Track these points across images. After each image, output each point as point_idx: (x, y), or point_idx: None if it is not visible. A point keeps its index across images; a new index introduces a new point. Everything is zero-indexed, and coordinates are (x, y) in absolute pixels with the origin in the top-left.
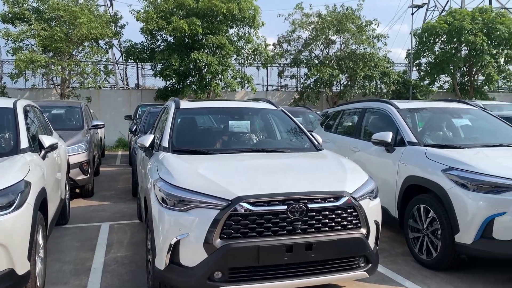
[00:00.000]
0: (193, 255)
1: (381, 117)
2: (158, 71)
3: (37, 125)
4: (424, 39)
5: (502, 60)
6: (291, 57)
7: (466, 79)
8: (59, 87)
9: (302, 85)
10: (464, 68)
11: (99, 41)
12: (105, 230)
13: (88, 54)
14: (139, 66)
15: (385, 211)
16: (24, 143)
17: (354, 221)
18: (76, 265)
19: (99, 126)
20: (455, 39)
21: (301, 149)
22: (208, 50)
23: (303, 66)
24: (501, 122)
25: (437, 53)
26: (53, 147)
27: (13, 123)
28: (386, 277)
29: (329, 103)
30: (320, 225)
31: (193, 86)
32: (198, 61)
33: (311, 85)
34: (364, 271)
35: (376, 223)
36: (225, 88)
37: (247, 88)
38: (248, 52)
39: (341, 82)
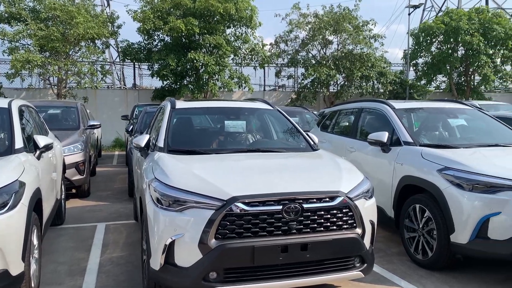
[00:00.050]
0: (188, 255)
1: (377, 117)
2: (155, 71)
3: (32, 125)
4: (421, 39)
5: (498, 60)
6: (288, 57)
7: (462, 79)
8: (55, 87)
9: (299, 85)
10: (461, 68)
11: (96, 41)
12: (101, 230)
13: (85, 54)
14: (136, 66)
15: (381, 211)
16: (18, 143)
17: (349, 221)
18: (71, 265)
19: (96, 126)
20: (451, 39)
21: (297, 149)
22: (205, 50)
23: (300, 66)
24: (497, 122)
25: (434, 53)
26: (48, 147)
27: (8, 123)
28: (382, 277)
29: (326, 103)
30: (316, 225)
31: (190, 86)
32: (195, 61)
33: (308, 85)
34: (360, 271)
35: (372, 223)
36: (222, 88)
37: (244, 88)
38: (245, 52)
39: (338, 82)
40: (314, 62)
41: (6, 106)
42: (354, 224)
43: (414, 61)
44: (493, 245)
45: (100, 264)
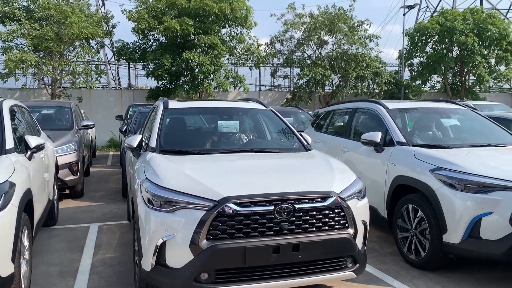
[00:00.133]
0: (179, 256)
1: (371, 117)
2: (150, 71)
3: (24, 126)
4: (416, 39)
5: (493, 61)
6: (284, 57)
7: (457, 79)
8: (50, 87)
9: (294, 85)
10: (456, 68)
11: (90, 41)
12: (94, 231)
13: (79, 54)
14: (132, 66)
15: (374, 211)
16: (9, 143)
17: (341, 221)
18: (63, 267)
19: (89, 126)
20: (446, 40)
21: (290, 149)
22: (200, 50)
23: (295, 66)
24: (490, 122)
25: (428, 53)
26: (39, 148)
27: None
28: (374, 277)
29: (321, 103)
30: (307, 225)
31: (185, 86)
32: (190, 61)
33: (303, 85)
34: (352, 271)
35: (364, 223)
36: (218, 88)
37: (239, 88)
38: (240, 52)
39: (333, 82)
40: (309, 62)
41: None
42: (346, 224)
43: (409, 61)
44: (485, 245)
45: (92, 265)
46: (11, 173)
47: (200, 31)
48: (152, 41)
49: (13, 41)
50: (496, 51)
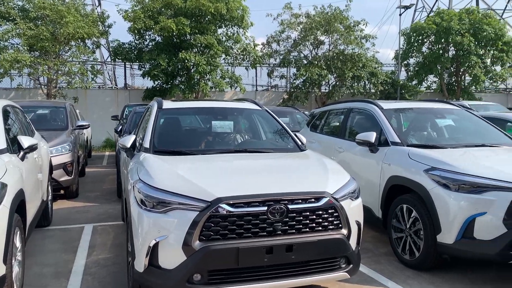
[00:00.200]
0: (172, 257)
1: (366, 117)
2: (146, 71)
3: (17, 126)
4: (413, 39)
5: (488, 61)
6: (280, 57)
7: (453, 79)
8: (45, 87)
9: (291, 85)
10: (452, 68)
11: (86, 41)
12: (88, 231)
13: (75, 53)
14: (128, 66)
15: (369, 211)
16: (1, 144)
17: (335, 222)
18: (57, 267)
19: (84, 126)
20: (443, 40)
21: (285, 149)
22: (196, 50)
23: (292, 66)
24: (484, 122)
25: (425, 53)
26: (32, 148)
27: None
28: (368, 277)
29: (317, 103)
30: (301, 226)
31: (181, 86)
32: (186, 61)
33: (299, 85)
34: (345, 272)
35: (358, 223)
36: (214, 88)
37: (236, 88)
38: (236, 52)
39: (330, 82)
40: (305, 62)
41: None
42: (340, 225)
43: (406, 61)
44: (479, 245)
45: (86, 266)
46: (3, 173)
47: (196, 31)
48: (148, 41)
49: (8, 41)
50: (491, 51)
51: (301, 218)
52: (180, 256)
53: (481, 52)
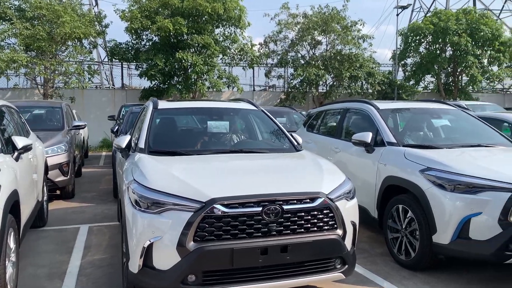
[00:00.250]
0: (166, 258)
1: (362, 117)
2: (143, 71)
3: (12, 126)
4: (410, 39)
5: (485, 61)
6: (278, 57)
7: (450, 79)
8: (42, 87)
9: (288, 85)
10: (449, 68)
11: (83, 41)
12: (84, 232)
13: (72, 53)
14: (126, 66)
15: (365, 212)
16: None
17: (330, 222)
18: (51, 269)
19: (80, 126)
20: (440, 40)
21: (280, 149)
22: (193, 50)
23: (289, 66)
24: (480, 122)
25: (422, 53)
26: (27, 148)
27: None
28: (364, 277)
29: (315, 103)
30: (296, 226)
31: (178, 86)
32: (183, 61)
33: (297, 85)
34: (341, 272)
35: (353, 224)
36: (211, 89)
37: (233, 88)
38: (234, 52)
39: (327, 83)
40: (303, 62)
41: None
42: (335, 225)
43: (403, 62)
44: (474, 246)
45: (81, 267)
46: None
47: (193, 31)
48: (145, 41)
49: (4, 41)
50: (488, 52)
51: (296, 218)
52: (175, 257)
53: (478, 52)
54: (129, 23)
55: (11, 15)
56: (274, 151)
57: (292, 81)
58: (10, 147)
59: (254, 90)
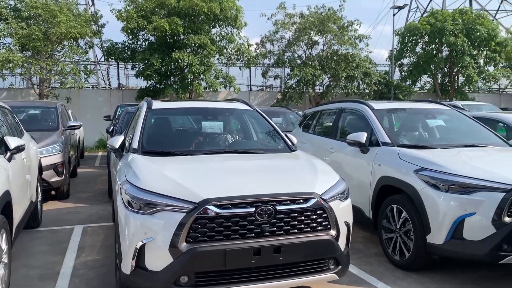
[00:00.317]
0: (158, 259)
1: (357, 117)
2: (139, 71)
3: (5, 126)
4: (406, 39)
5: (481, 61)
6: (275, 57)
7: (447, 79)
8: (38, 87)
9: (285, 85)
10: (445, 68)
11: (79, 41)
12: (78, 233)
13: (68, 53)
14: (123, 66)
15: (359, 212)
16: None
17: (323, 223)
18: (44, 270)
19: (76, 126)
20: (436, 40)
21: (275, 150)
22: (190, 50)
23: (286, 66)
24: (474, 122)
25: (418, 53)
26: (19, 149)
27: None
28: (358, 278)
29: (312, 103)
30: (289, 227)
31: (174, 86)
32: (179, 61)
33: (293, 85)
34: (334, 273)
35: (347, 224)
36: (208, 89)
37: (230, 88)
38: (230, 52)
39: (324, 83)
40: (299, 62)
41: None
42: (329, 226)
43: (400, 62)
44: (468, 246)
45: (74, 268)
46: None
47: (190, 31)
48: (141, 40)
49: None
50: (484, 52)
51: (289, 219)
52: (167, 258)
53: (474, 53)
54: (125, 23)
55: (7, 14)
56: (269, 151)
57: (288, 81)
58: (2, 148)
59: (251, 90)
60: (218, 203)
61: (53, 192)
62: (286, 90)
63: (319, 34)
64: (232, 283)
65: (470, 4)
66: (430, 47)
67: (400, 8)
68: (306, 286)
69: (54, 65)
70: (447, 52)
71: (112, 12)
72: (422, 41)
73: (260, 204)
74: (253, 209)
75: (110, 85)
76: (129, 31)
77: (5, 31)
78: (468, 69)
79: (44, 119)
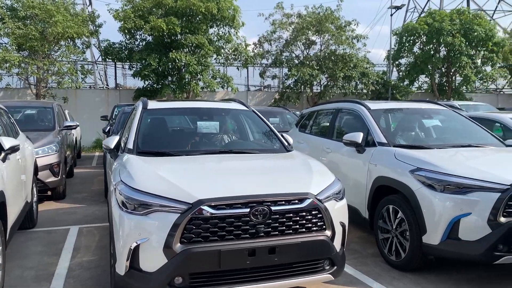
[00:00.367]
0: (153, 260)
1: (353, 117)
2: (137, 71)
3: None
4: (404, 39)
5: (479, 61)
6: (272, 57)
7: (444, 79)
8: (35, 87)
9: (282, 85)
10: (443, 68)
11: (76, 40)
12: (74, 233)
13: (65, 53)
14: (120, 66)
15: (356, 212)
16: None
17: (318, 223)
18: (39, 270)
19: (72, 126)
20: (434, 40)
21: (270, 150)
22: (187, 49)
23: (284, 66)
24: (471, 122)
25: (416, 54)
26: (14, 149)
27: None
28: (354, 278)
29: (309, 103)
30: (284, 227)
31: (172, 86)
32: (176, 61)
33: (291, 85)
34: (329, 273)
35: (342, 224)
36: (205, 89)
37: (227, 88)
38: (228, 52)
39: (321, 83)
40: (297, 62)
41: None
42: (324, 226)
43: (397, 62)
44: (463, 246)
45: (69, 268)
46: None
47: (187, 30)
48: (139, 40)
49: None
50: (482, 52)
51: (284, 219)
52: (161, 259)
53: (472, 53)
54: (122, 22)
55: (3, 14)
56: (264, 151)
57: (286, 81)
58: None
59: (248, 90)
60: (213, 204)
61: (49, 193)
62: (284, 90)
63: (316, 34)
64: (227, 284)
65: (468, 4)
66: (428, 47)
67: (398, 8)
68: (301, 287)
69: (51, 65)
70: (445, 52)
71: (109, 12)
72: (419, 41)
73: (255, 204)
74: (248, 210)
75: (107, 85)
76: (126, 31)
77: (1, 31)
78: (465, 69)
79: (41, 119)
